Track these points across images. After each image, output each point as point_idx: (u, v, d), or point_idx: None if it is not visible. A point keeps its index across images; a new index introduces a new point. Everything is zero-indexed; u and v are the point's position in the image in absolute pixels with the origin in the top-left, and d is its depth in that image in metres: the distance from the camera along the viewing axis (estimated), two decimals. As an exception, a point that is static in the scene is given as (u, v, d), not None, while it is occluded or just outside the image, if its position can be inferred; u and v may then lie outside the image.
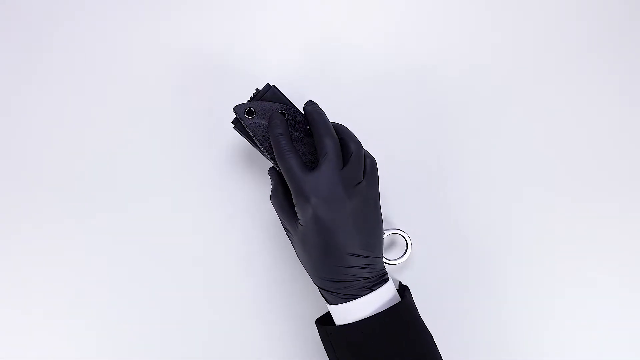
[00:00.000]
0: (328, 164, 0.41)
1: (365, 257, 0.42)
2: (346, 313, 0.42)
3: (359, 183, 0.42)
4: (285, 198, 0.44)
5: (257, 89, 0.47)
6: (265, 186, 0.53)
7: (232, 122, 0.47)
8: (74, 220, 0.54)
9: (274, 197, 0.45)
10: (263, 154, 0.46)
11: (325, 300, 0.44)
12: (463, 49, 0.55)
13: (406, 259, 0.50)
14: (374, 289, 0.42)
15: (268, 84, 0.46)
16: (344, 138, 0.43)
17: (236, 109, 0.45)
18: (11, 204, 0.54)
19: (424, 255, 0.53)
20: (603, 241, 0.54)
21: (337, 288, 0.42)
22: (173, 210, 0.54)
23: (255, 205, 0.53)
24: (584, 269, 0.53)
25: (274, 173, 0.46)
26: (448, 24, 0.55)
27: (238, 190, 0.54)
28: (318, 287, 0.44)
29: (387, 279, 0.44)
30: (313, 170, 0.41)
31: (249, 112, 0.45)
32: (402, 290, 0.46)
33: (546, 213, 0.54)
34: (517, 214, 0.54)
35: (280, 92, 0.46)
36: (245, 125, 0.45)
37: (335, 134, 0.43)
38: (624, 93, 0.55)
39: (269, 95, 0.46)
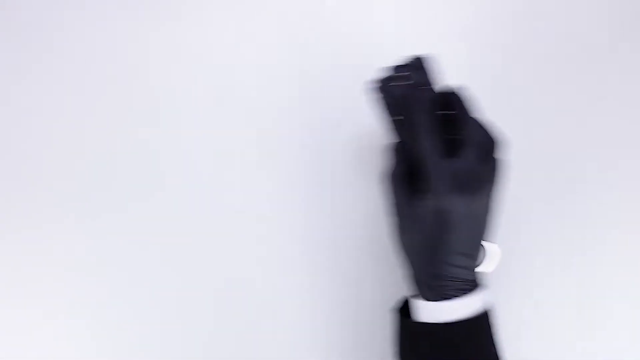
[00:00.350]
0: (468, 156, 0.39)
1: (472, 258, 0.41)
2: (440, 311, 0.41)
3: (490, 182, 0.41)
4: (404, 178, 0.42)
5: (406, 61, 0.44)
6: (277, 187, 0.53)
7: (372, 85, 0.44)
8: (74, 220, 0.54)
9: (394, 175, 0.43)
10: (393, 126, 0.43)
11: (420, 294, 0.42)
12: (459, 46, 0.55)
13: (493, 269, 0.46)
14: (471, 292, 0.41)
15: (417, 56, 0.43)
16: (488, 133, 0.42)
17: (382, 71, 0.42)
18: (12, 204, 0.54)
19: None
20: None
21: (437, 285, 0.40)
22: (177, 209, 0.54)
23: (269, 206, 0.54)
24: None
25: (400, 149, 0.43)
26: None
27: (241, 191, 0.54)
28: (414, 277, 0.42)
29: (482, 285, 0.43)
30: (452, 158, 0.39)
31: (394, 78, 0.42)
32: None
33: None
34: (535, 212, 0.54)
35: (428, 67, 0.43)
36: (385, 90, 0.42)
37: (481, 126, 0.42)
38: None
39: (416, 66, 0.43)
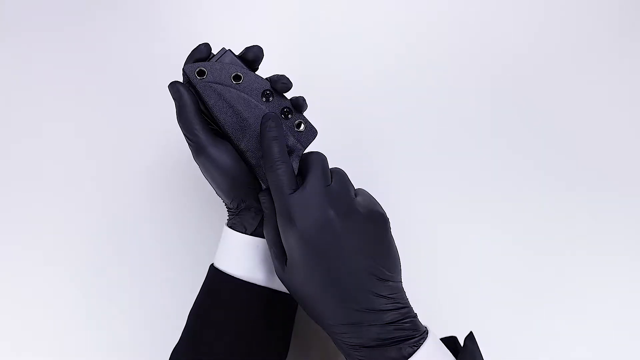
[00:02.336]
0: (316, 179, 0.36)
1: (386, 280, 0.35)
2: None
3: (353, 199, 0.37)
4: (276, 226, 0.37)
5: (212, 54, 0.42)
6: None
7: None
8: (74, 218, 0.54)
9: (267, 226, 0.38)
10: (218, 126, 0.41)
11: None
12: (462, 46, 0.55)
13: None
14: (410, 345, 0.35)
15: (224, 48, 0.42)
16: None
17: (186, 68, 0.40)
18: (12, 204, 0.54)
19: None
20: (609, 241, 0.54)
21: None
22: (176, 211, 0.54)
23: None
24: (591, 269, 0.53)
25: (267, 197, 0.38)
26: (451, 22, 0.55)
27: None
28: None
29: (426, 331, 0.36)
30: (299, 189, 0.35)
31: (200, 72, 0.40)
32: (453, 344, 0.39)
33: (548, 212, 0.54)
34: (515, 213, 0.54)
35: (238, 58, 0.42)
36: (195, 87, 0.40)
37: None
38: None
39: (225, 61, 0.41)
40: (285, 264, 0.36)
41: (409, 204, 0.54)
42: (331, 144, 0.55)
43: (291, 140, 0.41)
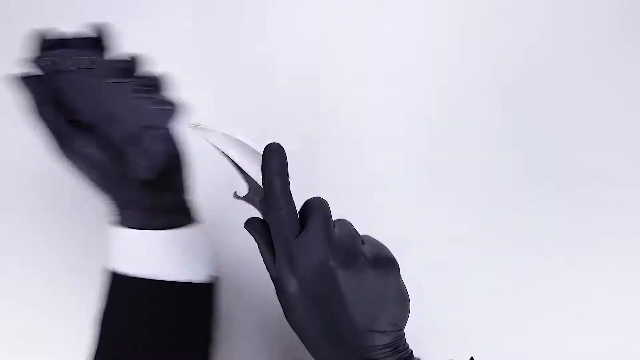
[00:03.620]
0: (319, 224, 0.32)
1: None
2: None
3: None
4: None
5: (61, 39, 0.38)
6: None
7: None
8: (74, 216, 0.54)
9: (265, 259, 0.34)
10: (77, 117, 0.37)
11: None
12: (463, 47, 0.55)
13: None
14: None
15: (59, 32, 0.38)
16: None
17: (31, 60, 0.37)
18: (12, 203, 0.54)
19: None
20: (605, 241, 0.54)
21: None
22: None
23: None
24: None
25: (257, 228, 0.34)
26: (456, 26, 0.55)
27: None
28: None
29: None
30: (301, 234, 0.32)
31: (46, 63, 0.36)
32: None
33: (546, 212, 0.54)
34: (517, 212, 0.54)
35: (87, 41, 0.38)
36: (45, 79, 0.37)
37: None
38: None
39: (74, 47, 0.38)
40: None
41: (408, 206, 0.54)
42: (330, 145, 0.55)
43: (151, 119, 0.38)
